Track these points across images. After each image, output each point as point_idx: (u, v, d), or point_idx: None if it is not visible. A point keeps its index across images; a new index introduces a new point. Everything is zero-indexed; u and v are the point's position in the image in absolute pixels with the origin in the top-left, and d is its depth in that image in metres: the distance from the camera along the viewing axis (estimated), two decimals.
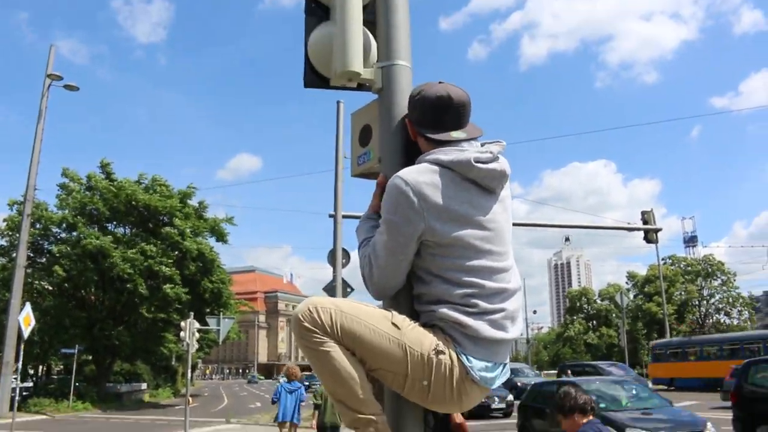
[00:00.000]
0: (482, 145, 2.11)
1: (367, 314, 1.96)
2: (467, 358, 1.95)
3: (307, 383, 8.67)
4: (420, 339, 1.94)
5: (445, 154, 2.03)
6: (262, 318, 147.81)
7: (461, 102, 2.10)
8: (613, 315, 78.30)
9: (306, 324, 1.92)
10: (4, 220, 36.60)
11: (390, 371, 1.94)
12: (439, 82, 2.13)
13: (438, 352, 1.93)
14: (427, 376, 1.92)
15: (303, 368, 18.36)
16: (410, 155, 2.17)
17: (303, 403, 12.83)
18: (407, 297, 2.09)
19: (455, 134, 2.08)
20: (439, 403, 1.99)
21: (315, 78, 2.45)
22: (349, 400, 1.93)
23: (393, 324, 1.95)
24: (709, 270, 75.02)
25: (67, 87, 30.81)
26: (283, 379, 13.21)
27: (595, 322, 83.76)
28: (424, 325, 2.01)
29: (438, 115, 2.08)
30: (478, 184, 2.03)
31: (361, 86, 2.37)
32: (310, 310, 1.93)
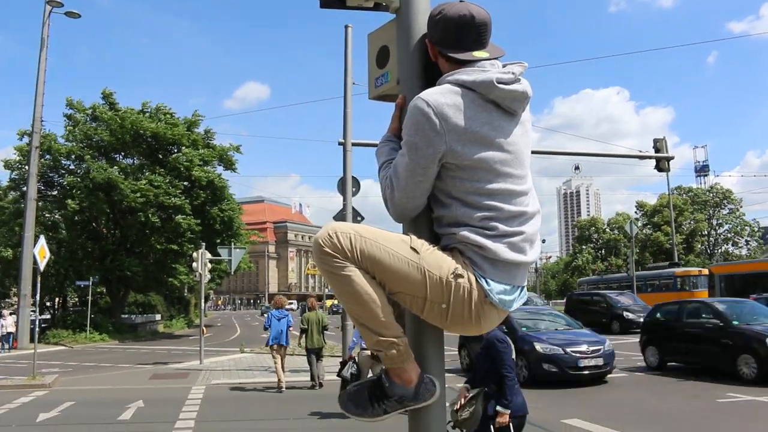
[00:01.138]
0: (504, 66, 2.07)
1: (385, 239, 1.96)
2: (486, 281, 1.95)
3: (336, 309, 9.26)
4: (439, 262, 1.94)
5: (468, 75, 1.99)
6: (272, 248, 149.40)
7: (483, 21, 2.05)
8: (622, 245, 78.62)
9: (326, 249, 1.92)
10: (15, 149, 36.68)
11: (409, 294, 1.95)
12: (460, 1, 2.07)
13: (457, 276, 1.93)
14: (446, 299, 1.93)
15: (319, 298, 18.82)
16: (430, 76, 2.12)
17: (291, 328, 14.26)
18: (427, 220, 2.08)
19: (477, 54, 2.04)
20: (458, 326, 2.00)
21: None
22: (371, 322, 1.94)
23: (412, 248, 1.95)
24: (717, 200, 74.93)
25: (68, 14, 30.39)
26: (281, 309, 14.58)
27: (603, 251, 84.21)
28: (444, 249, 2.01)
29: (460, 35, 2.04)
30: (500, 106, 2.00)
31: (378, 6, 2.29)
32: (330, 235, 1.93)
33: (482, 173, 1.97)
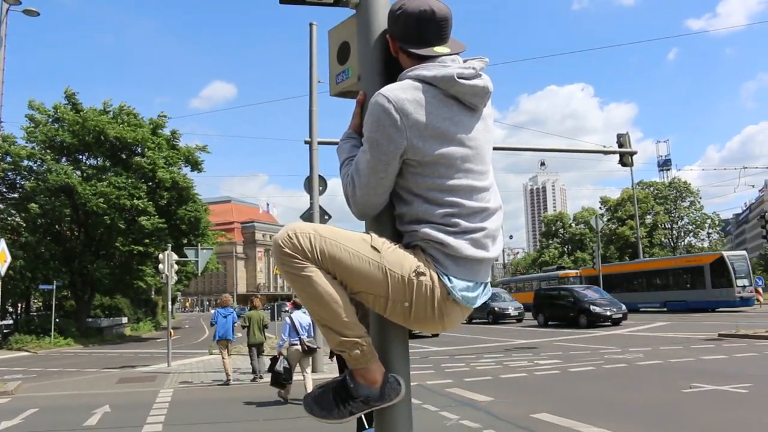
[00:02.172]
0: (464, 61, 2.07)
1: (346, 238, 1.95)
2: (448, 279, 1.95)
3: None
4: (400, 261, 1.94)
5: (428, 70, 1.99)
6: (239, 249, 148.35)
7: (443, 16, 2.04)
8: (588, 239, 79.59)
9: (286, 249, 1.91)
10: None
11: (371, 293, 1.95)
12: None
13: (418, 274, 1.93)
14: (408, 297, 1.93)
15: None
16: (391, 72, 2.11)
17: (236, 324, 15.61)
18: (389, 217, 2.07)
19: (438, 49, 2.04)
20: (422, 324, 2.00)
21: None
22: (333, 323, 1.93)
23: (372, 247, 1.94)
24: (677, 193, 76.24)
25: (26, 12, 29.64)
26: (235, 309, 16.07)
27: (570, 246, 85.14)
28: (406, 246, 2.01)
29: (420, 30, 2.03)
30: (461, 101, 2.00)
31: (338, 2, 2.27)
32: (289, 236, 1.92)
33: (443, 169, 1.96)
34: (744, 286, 34.76)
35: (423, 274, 1.93)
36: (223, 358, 14.98)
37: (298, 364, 11.60)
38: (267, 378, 12.53)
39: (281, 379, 11.17)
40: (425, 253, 1.97)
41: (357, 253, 1.92)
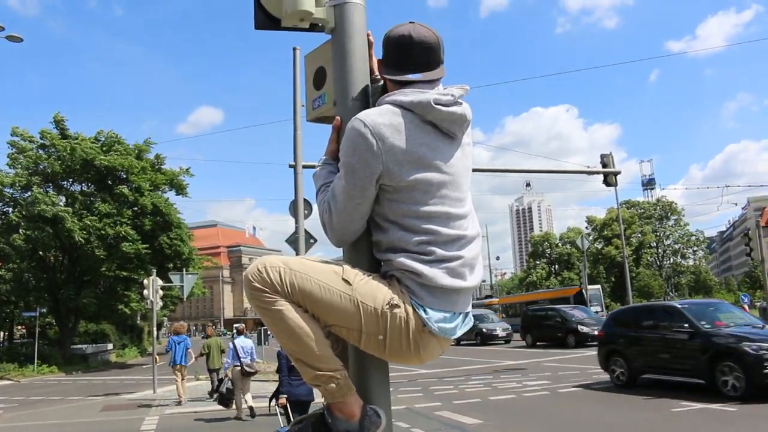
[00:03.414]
0: (444, 88, 2.06)
1: (316, 271, 1.92)
2: (424, 310, 1.92)
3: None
4: (373, 293, 1.91)
5: (405, 95, 1.97)
6: (226, 273, 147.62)
7: (424, 42, 2.03)
8: (575, 258, 79.80)
9: (256, 284, 1.89)
10: None
11: (344, 327, 1.92)
12: (410, 22, 2.06)
13: (392, 306, 1.89)
14: (382, 330, 1.89)
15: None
16: (366, 97, 2.10)
17: (189, 349, 16.55)
18: (367, 245, 2.04)
19: (412, 76, 2.03)
20: (397, 356, 1.96)
21: (265, 19, 2.32)
22: (307, 357, 1.90)
23: (344, 280, 1.91)
24: (662, 212, 76.82)
25: (9, 38, 29.61)
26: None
27: (557, 266, 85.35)
28: (383, 276, 1.98)
29: (399, 56, 2.03)
30: (438, 128, 1.99)
31: (314, 27, 2.26)
32: (259, 270, 1.90)
33: (419, 195, 1.94)
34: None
35: (397, 306, 1.90)
36: (177, 380, 16.01)
37: (240, 384, 12.82)
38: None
39: (225, 399, 12.78)
40: (401, 284, 1.94)
41: (327, 286, 1.89)
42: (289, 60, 16.05)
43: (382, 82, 2.18)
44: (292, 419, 8.14)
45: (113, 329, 50.21)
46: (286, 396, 8.64)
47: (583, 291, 44.87)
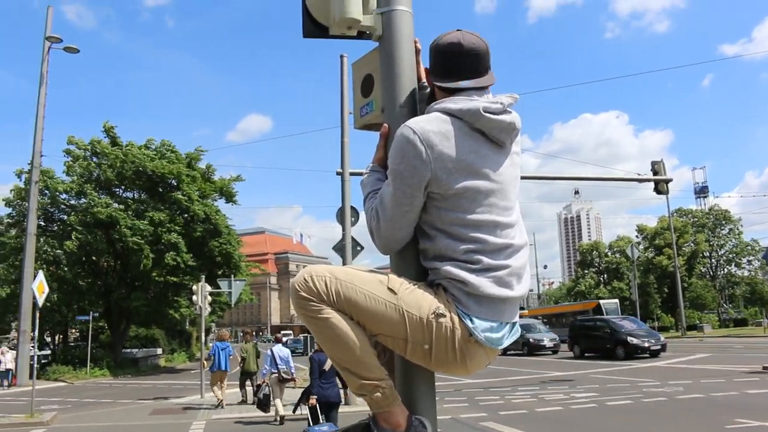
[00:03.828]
0: (494, 96, 2.05)
1: (361, 280, 1.92)
2: (470, 319, 1.90)
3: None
4: (418, 302, 1.90)
5: (454, 103, 1.97)
6: (273, 279, 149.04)
7: (473, 49, 2.02)
8: (625, 268, 78.28)
9: (302, 293, 1.90)
10: (11, 190, 36.77)
11: (390, 336, 1.91)
12: (457, 30, 2.06)
13: (438, 315, 1.88)
14: (427, 339, 1.88)
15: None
16: (413, 104, 2.09)
17: (231, 357, 17.33)
18: (414, 252, 2.03)
19: (463, 83, 2.02)
20: (443, 366, 1.95)
21: (314, 27, 2.34)
22: (353, 365, 1.90)
23: (389, 289, 1.91)
24: (716, 220, 74.85)
25: (66, 49, 30.66)
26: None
27: (606, 275, 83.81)
28: (430, 285, 1.97)
29: (448, 63, 2.03)
30: (487, 136, 1.97)
31: (362, 34, 2.26)
32: (305, 279, 1.91)
33: (466, 203, 1.92)
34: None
35: (443, 315, 1.88)
36: (221, 386, 16.73)
37: (278, 390, 13.51)
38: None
39: (263, 404, 13.45)
40: (447, 293, 1.93)
41: (373, 295, 1.89)
42: (338, 67, 16.18)
43: (429, 90, 2.17)
44: (321, 419, 9.16)
45: (163, 334, 51.11)
46: (316, 397, 9.47)
47: (601, 304, 50.24)
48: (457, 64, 2.02)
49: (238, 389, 17.95)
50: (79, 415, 16.46)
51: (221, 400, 16.28)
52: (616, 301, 54.58)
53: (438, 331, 1.87)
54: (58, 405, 18.75)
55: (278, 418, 13.08)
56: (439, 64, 2.04)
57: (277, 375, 13.36)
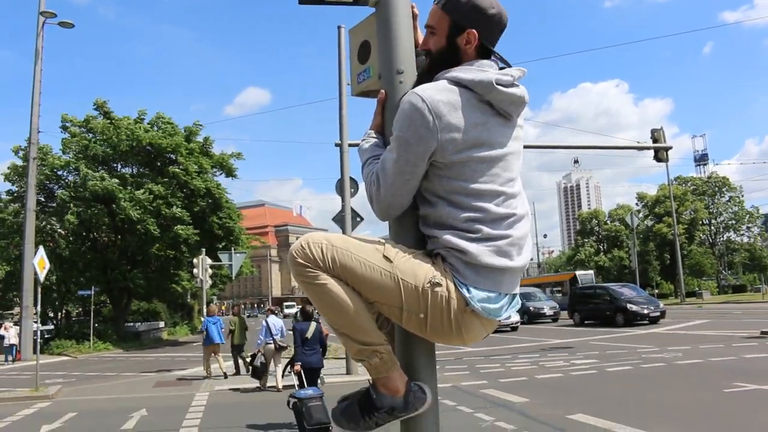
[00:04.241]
0: (501, 68, 2.04)
1: (357, 247, 1.93)
2: (467, 289, 1.90)
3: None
4: (414, 270, 1.90)
5: (465, 73, 1.95)
6: (273, 252, 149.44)
7: (505, 25, 2.09)
8: (624, 236, 78.46)
9: (299, 260, 1.91)
10: (8, 167, 36.70)
11: (385, 304, 1.92)
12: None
13: (434, 284, 1.88)
14: (423, 308, 1.88)
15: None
16: (411, 70, 2.08)
17: (223, 329, 17.81)
18: (413, 219, 2.02)
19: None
20: (439, 336, 1.94)
21: None
22: (350, 330, 1.91)
23: (384, 256, 1.91)
24: (715, 188, 74.81)
25: (61, 24, 30.40)
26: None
27: (605, 244, 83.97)
28: (429, 254, 1.96)
29: (499, 34, 2.07)
30: (494, 108, 1.96)
31: (358, 1, 2.24)
32: (302, 246, 1.92)
33: (469, 172, 1.92)
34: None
35: (438, 284, 1.88)
36: (216, 359, 17.22)
37: (272, 360, 14.13)
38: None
39: (259, 372, 13.99)
40: (445, 262, 1.93)
41: (368, 263, 1.89)
42: (335, 39, 16.05)
43: (427, 56, 2.14)
44: (305, 383, 9.99)
45: (165, 308, 51.38)
46: (300, 363, 10.39)
47: (576, 275, 53.26)
48: (499, 36, 2.07)
49: (231, 362, 18.28)
50: (83, 388, 16.61)
51: (222, 370, 17.00)
52: (591, 272, 58.18)
53: (433, 299, 1.87)
54: (62, 379, 18.90)
55: (280, 388, 13.58)
56: (494, 31, 2.05)
57: (272, 345, 13.91)
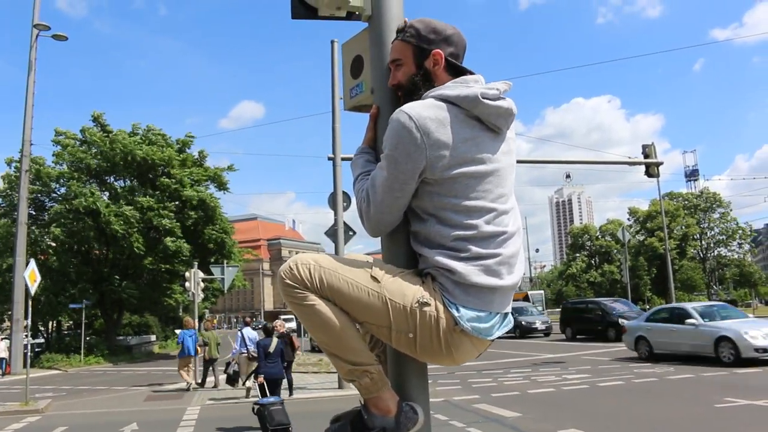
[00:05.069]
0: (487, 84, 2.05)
1: (345, 268, 1.94)
2: (456, 308, 1.89)
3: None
4: (402, 291, 1.90)
5: (451, 90, 1.96)
6: (266, 266, 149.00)
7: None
8: (615, 251, 78.65)
9: (287, 281, 1.92)
10: (2, 177, 36.53)
11: (374, 324, 1.92)
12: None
13: (422, 304, 1.88)
14: (411, 328, 1.88)
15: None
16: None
17: (198, 343, 18.40)
18: (405, 235, 2.03)
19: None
20: (429, 355, 1.94)
21: (303, 8, 2.33)
22: (340, 351, 1.92)
23: (372, 277, 1.91)
24: (707, 204, 75.15)
25: (55, 37, 30.38)
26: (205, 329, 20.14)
27: (597, 258, 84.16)
28: (419, 274, 1.97)
29: (463, 53, 2.10)
30: (483, 123, 1.96)
31: (351, 15, 2.26)
32: (290, 267, 1.93)
33: (461, 189, 1.91)
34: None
35: (427, 304, 1.88)
36: (189, 370, 18.00)
37: (246, 369, 14.90)
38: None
39: (232, 380, 15.07)
40: (435, 282, 1.93)
41: (356, 283, 1.90)
42: (329, 53, 16.12)
43: (417, 75, 2.16)
44: (267, 393, 11.29)
45: (156, 321, 51.10)
46: (263, 375, 11.80)
47: (528, 294, 56.00)
48: (462, 53, 2.09)
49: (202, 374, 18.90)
50: (73, 402, 16.49)
51: (189, 383, 17.54)
52: (542, 292, 65.59)
53: (422, 319, 1.87)
54: (52, 393, 18.78)
55: (247, 392, 14.71)
56: (460, 51, 2.08)
57: (246, 355, 14.96)
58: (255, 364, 14.67)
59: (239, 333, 15.71)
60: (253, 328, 16.31)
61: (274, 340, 12.50)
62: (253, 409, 9.47)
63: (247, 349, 14.94)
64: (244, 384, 14.95)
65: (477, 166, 1.92)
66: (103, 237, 36.16)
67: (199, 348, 18.48)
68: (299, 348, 15.95)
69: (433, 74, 2.04)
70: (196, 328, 19.52)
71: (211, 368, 18.38)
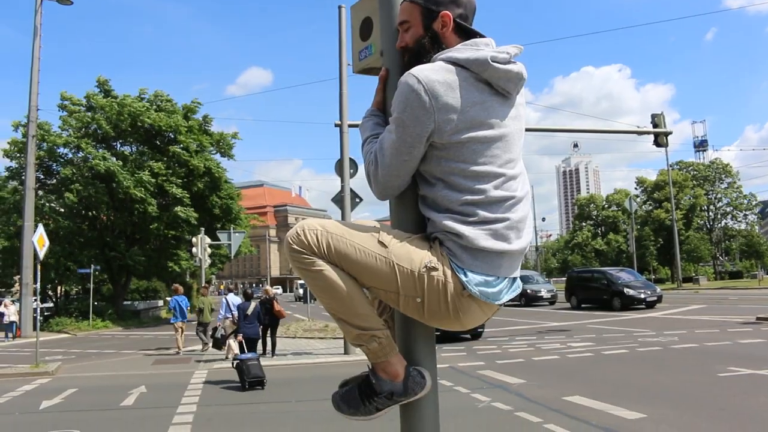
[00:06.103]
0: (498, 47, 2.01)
1: (352, 234, 1.93)
2: (464, 273, 1.89)
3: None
4: (409, 255, 1.89)
5: (460, 52, 1.93)
6: (272, 232, 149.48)
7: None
8: (621, 221, 78.56)
9: (294, 246, 1.92)
10: (8, 143, 36.55)
11: (382, 289, 1.92)
12: None
13: (430, 269, 1.87)
14: (419, 292, 1.88)
15: None
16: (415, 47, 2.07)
17: (188, 308, 19.26)
18: (413, 199, 2.02)
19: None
20: (437, 320, 1.94)
21: None
22: (347, 316, 1.91)
23: (380, 242, 1.91)
24: (716, 174, 74.70)
25: (59, 1, 30.15)
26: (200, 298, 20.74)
27: (603, 228, 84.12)
28: (426, 238, 1.97)
29: (473, 15, 2.07)
30: (493, 87, 1.94)
31: None
32: (297, 233, 1.92)
33: (468, 154, 1.90)
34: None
35: (435, 269, 1.88)
36: (180, 335, 18.63)
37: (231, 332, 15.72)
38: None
39: (220, 343, 15.76)
40: (442, 246, 1.92)
41: (363, 249, 1.90)
42: (336, 18, 15.96)
43: (424, 39, 2.13)
44: (245, 349, 13.26)
45: (164, 286, 51.45)
46: (242, 334, 13.97)
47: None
48: (471, 15, 2.06)
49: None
50: (83, 365, 16.70)
51: (179, 349, 18.40)
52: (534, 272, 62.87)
53: (430, 284, 1.87)
54: (62, 356, 19.00)
55: (229, 356, 15.13)
56: (469, 12, 2.05)
57: (230, 319, 15.60)
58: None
59: (224, 299, 16.48)
60: (236, 294, 17.39)
61: (252, 304, 14.50)
62: (232, 363, 11.21)
63: (232, 314, 15.52)
64: (224, 344, 15.66)
65: (485, 130, 1.90)
66: (113, 202, 36.25)
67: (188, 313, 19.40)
68: (281, 312, 16.62)
69: (442, 36, 2.01)
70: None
71: (203, 331, 18.91)
